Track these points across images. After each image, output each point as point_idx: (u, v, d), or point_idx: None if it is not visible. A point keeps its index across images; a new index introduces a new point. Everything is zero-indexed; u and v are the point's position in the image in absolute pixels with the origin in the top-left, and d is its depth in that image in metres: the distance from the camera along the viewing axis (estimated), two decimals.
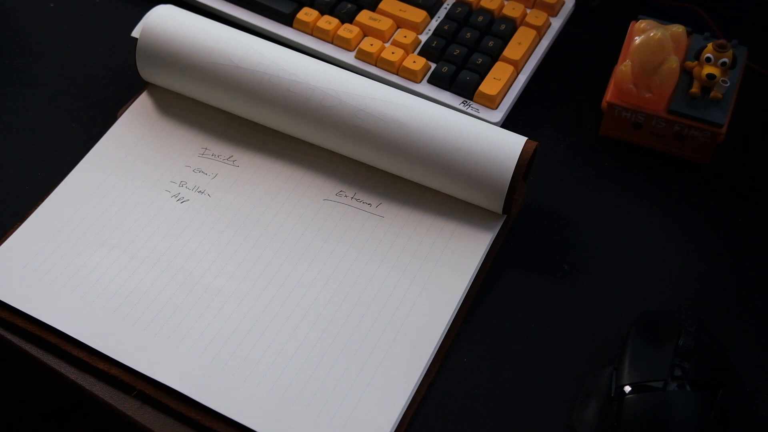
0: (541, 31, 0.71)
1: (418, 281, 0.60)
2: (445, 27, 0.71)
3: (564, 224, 0.64)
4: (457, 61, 0.69)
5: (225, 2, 0.74)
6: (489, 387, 0.57)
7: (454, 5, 0.73)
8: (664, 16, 0.68)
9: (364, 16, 0.72)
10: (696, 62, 0.65)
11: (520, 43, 0.70)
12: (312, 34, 0.72)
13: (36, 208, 0.63)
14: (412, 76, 0.69)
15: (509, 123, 0.68)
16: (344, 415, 0.54)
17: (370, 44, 0.70)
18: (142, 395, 0.55)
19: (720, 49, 0.64)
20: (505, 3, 0.73)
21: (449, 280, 0.60)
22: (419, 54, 0.70)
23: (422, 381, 0.56)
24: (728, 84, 0.64)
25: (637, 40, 0.64)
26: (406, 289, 0.59)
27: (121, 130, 0.67)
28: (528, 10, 0.72)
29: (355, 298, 0.59)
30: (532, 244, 0.63)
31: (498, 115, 0.67)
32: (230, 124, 0.67)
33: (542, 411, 0.56)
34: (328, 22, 0.71)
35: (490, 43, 0.70)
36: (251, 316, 0.58)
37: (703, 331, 0.55)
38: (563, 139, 0.69)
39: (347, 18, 0.72)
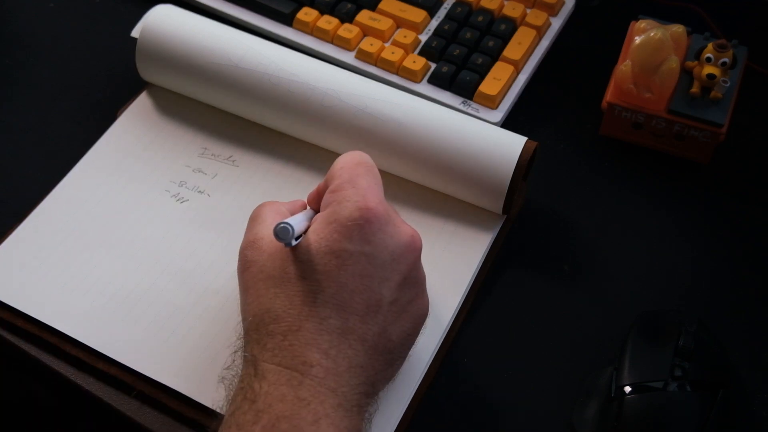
0: (541, 31, 0.71)
1: None
2: (445, 27, 0.71)
3: (564, 224, 0.64)
4: (457, 61, 0.69)
5: (225, 2, 0.74)
6: (489, 387, 0.57)
7: (454, 5, 0.73)
8: (664, 16, 0.68)
9: (364, 16, 0.72)
10: (696, 62, 0.65)
11: (520, 43, 0.70)
12: (312, 34, 0.72)
13: (35, 208, 0.63)
14: (412, 76, 0.69)
15: (509, 123, 0.68)
16: None
17: (370, 44, 0.70)
18: (142, 395, 0.55)
19: (720, 49, 0.64)
20: (505, 3, 0.73)
21: (449, 280, 0.60)
22: (419, 54, 0.70)
23: (422, 381, 0.56)
24: (728, 84, 0.64)
25: (637, 40, 0.64)
26: None
27: (120, 129, 0.67)
28: (528, 10, 0.72)
29: None
30: (532, 244, 0.63)
31: (498, 115, 0.67)
32: (230, 124, 0.67)
33: (542, 411, 0.56)
34: (328, 22, 0.71)
35: (490, 43, 0.70)
36: None
37: (703, 331, 0.55)
38: (563, 139, 0.69)
39: (347, 18, 0.72)
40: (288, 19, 0.72)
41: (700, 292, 0.61)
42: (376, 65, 0.70)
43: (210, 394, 0.55)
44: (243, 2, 0.74)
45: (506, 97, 0.68)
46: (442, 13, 0.73)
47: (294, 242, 0.48)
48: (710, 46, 0.65)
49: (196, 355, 0.56)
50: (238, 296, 0.58)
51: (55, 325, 0.57)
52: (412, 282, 0.50)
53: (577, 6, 0.74)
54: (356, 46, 0.71)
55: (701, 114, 0.64)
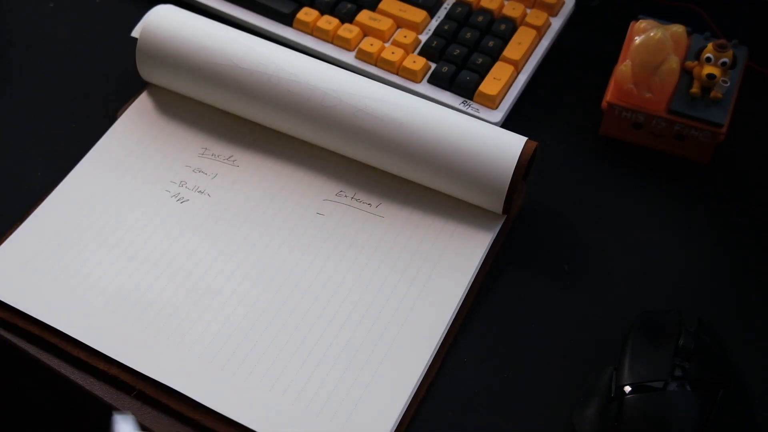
0: (541, 31, 0.71)
1: (419, 281, 0.60)
2: (445, 27, 0.71)
3: (564, 224, 0.64)
4: (457, 61, 0.69)
5: (225, 2, 0.74)
6: (489, 387, 0.57)
7: (454, 5, 0.73)
8: (664, 16, 0.68)
9: (364, 16, 0.72)
10: (696, 62, 0.65)
11: (520, 43, 0.70)
12: (312, 34, 0.72)
13: (36, 208, 0.63)
14: (412, 76, 0.69)
15: (509, 123, 0.68)
16: (344, 415, 0.54)
17: (370, 44, 0.70)
18: (142, 395, 0.55)
19: (720, 49, 0.64)
20: (505, 3, 0.73)
21: (449, 280, 0.60)
22: (419, 54, 0.70)
23: (422, 381, 0.56)
24: (728, 84, 0.64)
25: (637, 40, 0.64)
26: (406, 289, 0.59)
27: (120, 130, 0.67)
28: (528, 10, 0.72)
29: (355, 299, 0.59)
30: (532, 244, 0.63)
31: (498, 115, 0.67)
32: (230, 124, 0.67)
33: (542, 411, 0.56)
34: (328, 22, 0.71)
35: (490, 43, 0.70)
36: (251, 316, 0.58)
37: (703, 331, 0.55)
38: (563, 139, 0.69)
39: (347, 18, 0.72)
40: (288, 19, 0.72)
41: (700, 292, 0.61)
42: (376, 65, 0.70)
43: (211, 395, 0.55)
44: (243, 2, 0.74)
45: (506, 97, 0.68)
46: (442, 13, 0.73)
47: None
48: (710, 46, 0.65)
49: (196, 354, 0.56)
50: (238, 296, 0.59)
51: (56, 324, 0.57)
52: None
53: (577, 6, 0.74)
54: (356, 46, 0.71)
55: (701, 114, 0.64)
